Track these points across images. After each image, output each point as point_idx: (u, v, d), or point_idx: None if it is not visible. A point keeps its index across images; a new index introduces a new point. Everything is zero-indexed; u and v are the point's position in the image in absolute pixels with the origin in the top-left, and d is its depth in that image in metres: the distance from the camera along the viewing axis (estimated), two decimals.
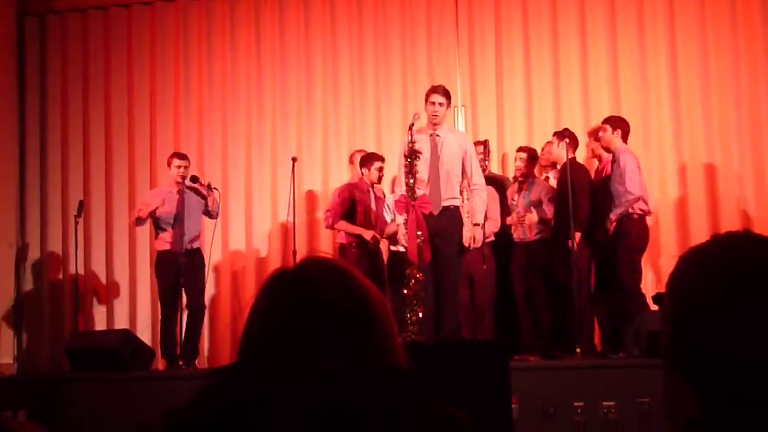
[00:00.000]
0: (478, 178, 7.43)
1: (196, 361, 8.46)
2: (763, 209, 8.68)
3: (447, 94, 7.37)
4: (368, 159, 8.40)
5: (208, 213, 8.59)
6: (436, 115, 7.29)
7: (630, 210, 7.49)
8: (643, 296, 7.51)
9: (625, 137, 7.79)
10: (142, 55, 10.03)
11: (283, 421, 1.38)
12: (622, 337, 7.34)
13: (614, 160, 7.68)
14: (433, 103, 7.30)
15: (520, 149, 8.44)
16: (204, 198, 8.51)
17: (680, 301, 1.39)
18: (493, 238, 8.03)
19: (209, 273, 8.95)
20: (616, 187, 7.57)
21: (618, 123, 7.84)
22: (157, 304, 8.67)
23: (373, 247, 8.25)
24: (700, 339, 1.34)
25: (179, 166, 8.47)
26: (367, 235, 8.12)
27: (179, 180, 8.44)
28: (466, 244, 7.27)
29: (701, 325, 1.35)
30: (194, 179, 8.48)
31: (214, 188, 8.58)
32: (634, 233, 7.55)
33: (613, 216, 7.53)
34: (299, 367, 1.43)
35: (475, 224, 7.32)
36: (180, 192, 8.43)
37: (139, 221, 8.52)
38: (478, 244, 7.36)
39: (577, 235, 7.61)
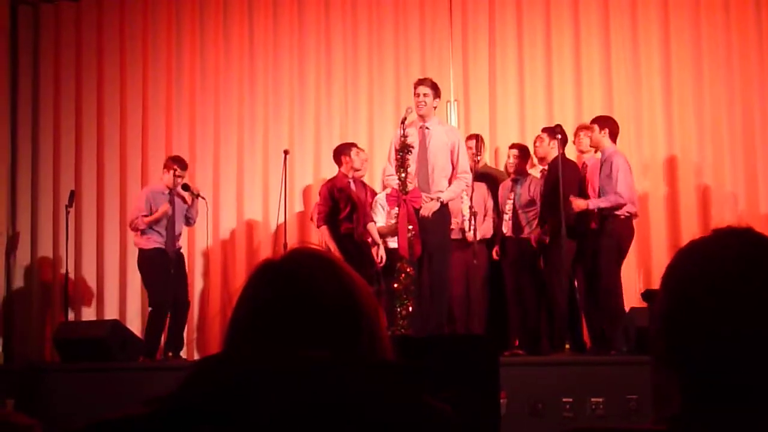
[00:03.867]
0: (464, 169, 7.44)
1: (182, 353, 8.55)
2: (754, 206, 8.70)
3: (433, 86, 7.45)
4: (344, 148, 8.33)
5: (187, 219, 8.63)
6: (422, 106, 7.35)
7: (617, 211, 7.51)
8: (620, 295, 7.54)
9: (613, 137, 7.76)
10: (134, 44, 9.99)
11: (271, 412, 1.37)
12: (606, 334, 7.37)
13: (604, 161, 7.67)
14: (419, 94, 7.40)
15: (513, 146, 8.40)
16: (188, 205, 8.55)
17: (673, 296, 1.38)
18: (486, 233, 8.07)
19: (200, 265, 8.97)
20: (604, 187, 7.58)
21: (606, 122, 7.82)
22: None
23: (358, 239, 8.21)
24: (691, 335, 1.34)
25: (180, 176, 8.44)
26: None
27: (172, 186, 8.42)
28: (422, 214, 7.24)
29: (693, 321, 1.34)
30: (186, 187, 8.48)
31: (202, 197, 8.65)
32: (620, 234, 7.56)
33: (591, 204, 7.53)
34: (287, 358, 1.42)
35: (436, 198, 7.29)
36: (172, 195, 8.41)
37: (139, 229, 8.44)
38: (427, 213, 7.27)
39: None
